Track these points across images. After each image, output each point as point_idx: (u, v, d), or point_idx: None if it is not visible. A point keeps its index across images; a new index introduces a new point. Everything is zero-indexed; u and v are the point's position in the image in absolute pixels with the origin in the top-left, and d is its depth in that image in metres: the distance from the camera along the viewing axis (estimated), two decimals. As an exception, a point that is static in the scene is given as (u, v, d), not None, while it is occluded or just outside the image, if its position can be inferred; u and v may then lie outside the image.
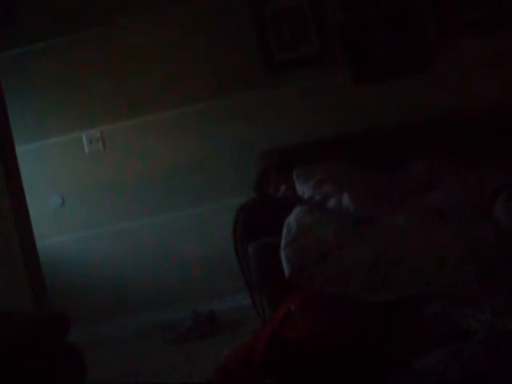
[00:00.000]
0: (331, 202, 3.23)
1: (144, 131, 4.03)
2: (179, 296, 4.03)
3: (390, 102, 3.77)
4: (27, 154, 3.90)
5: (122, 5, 3.95)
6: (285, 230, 2.99)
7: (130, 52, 3.98)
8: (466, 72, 3.72)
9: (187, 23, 3.94)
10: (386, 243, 2.78)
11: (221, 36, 3.92)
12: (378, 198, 3.20)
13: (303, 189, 3.40)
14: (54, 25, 3.95)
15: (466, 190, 3.04)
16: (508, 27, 3.64)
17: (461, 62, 3.73)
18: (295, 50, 3.89)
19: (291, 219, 3.06)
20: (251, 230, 3.21)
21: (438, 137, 3.51)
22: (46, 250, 3.74)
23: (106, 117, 4.03)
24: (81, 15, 3.95)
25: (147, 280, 4.07)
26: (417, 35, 3.79)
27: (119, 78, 3.99)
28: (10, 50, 3.96)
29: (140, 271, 4.08)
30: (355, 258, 2.77)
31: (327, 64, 3.86)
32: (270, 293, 2.96)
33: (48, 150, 4.05)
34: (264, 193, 3.58)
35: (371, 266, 2.72)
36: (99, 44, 3.99)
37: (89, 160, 4.07)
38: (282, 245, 2.93)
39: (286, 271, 2.83)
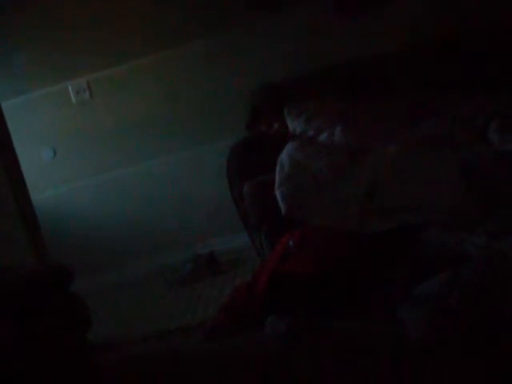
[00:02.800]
0: (323, 136, 3.22)
1: (129, 78, 3.97)
2: (178, 239, 4.05)
3: (375, 31, 3.69)
4: (13, 108, 3.83)
5: None
6: (278, 168, 2.99)
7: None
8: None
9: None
10: (380, 172, 2.79)
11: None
12: (370, 128, 3.19)
13: (295, 124, 3.39)
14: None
15: (459, 118, 3.03)
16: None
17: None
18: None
19: (284, 156, 3.06)
20: (245, 169, 3.22)
21: (427, 65, 3.47)
22: (41, 204, 3.73)
23: (91, 66, 3.95)
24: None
25: (145, 226, 4.09)
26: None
27: (101, 26, 3.90)
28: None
29: (137, 217, 4.09)
30: (350, 190, 2.78)
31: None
32: (268, 231, 2.98)
33: (34, 103, 3.99)
34: (256, 131, 3.57)
35: (366, 196, 2.73)
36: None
37: (77, 110, 4.01)
38: (277, 183, 2.93)
39: (283, 208, 2.84)
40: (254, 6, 3.77)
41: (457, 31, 3.50)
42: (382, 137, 3.09)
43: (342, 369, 1.94)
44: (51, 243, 3.28)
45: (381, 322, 2.18)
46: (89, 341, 2.11)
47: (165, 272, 3.75)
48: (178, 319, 2.89)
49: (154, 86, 3.98)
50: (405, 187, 2.71)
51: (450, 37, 3.49)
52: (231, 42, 3.86)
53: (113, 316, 3.14)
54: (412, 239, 2.50)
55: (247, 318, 2.46)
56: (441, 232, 2.49)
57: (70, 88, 3.98)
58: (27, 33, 3.92)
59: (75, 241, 4.01)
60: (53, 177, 4.10)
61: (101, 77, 3.98)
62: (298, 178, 2.91)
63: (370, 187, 2.77)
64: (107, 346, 2.59)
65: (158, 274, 3.79)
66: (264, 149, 3.30)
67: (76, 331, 2.02)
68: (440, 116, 3.12)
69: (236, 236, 3.77)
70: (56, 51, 3.92)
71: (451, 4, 3.59)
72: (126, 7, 3.87)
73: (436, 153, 2.81)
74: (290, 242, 2.60)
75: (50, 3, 3.88)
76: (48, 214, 3.84)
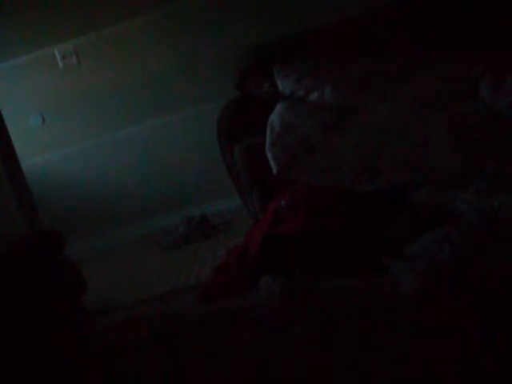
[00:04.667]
0: (313, 96, 3.20)
1: (115, 41, 3.92)
2: (170, 203, 4.05)
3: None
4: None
5: None
6: (269, 129, 2.98)
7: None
8: None
9: None
10: (371, 132, 2.78)
11: None
12: (361, 88, 3.17)
13: (285, 84, 3.36)
14: None
15: (449, 76, 3.01)
16: None
17: None
18: None
19: (274, 117, 3.05)
20: (235, 130, 3.20)
21: (417, 22, 3.43)
22: (31, 170, 3.71)
23: (77, 30, 3.90)
24: None
25: (137, 190, 4.08)
26: None
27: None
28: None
29: (128, 182, 4.08)
30: (341, 149, 2.78)
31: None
32: (260, 192, 2.98)
33: (21, 68, 3.93)
34: (246, 92, 3.54)
35: (357, 156, 2.73)
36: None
37: (64, 75, 3.97)
38: (268, 144, 2.92)
39: (274, 169, 2.84)
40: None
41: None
42: (372, 96, 3.08)
43: (336, 327, 1.96)
44: (42, 209, 3.28)
45: (374, 280, 2.19)
46: (83, 305, 2.13)
47: (157, 235, 3.75)
48: (171, 282, 2.89)
49: (141, 49, 3.93)
50: (395, 147, 2.71)
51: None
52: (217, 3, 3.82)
53: (107, 280, 3.15)
54: (404, 198, 2.51)
55: (241, 280, 2.47)
56: (432, 190, 2.50)
57: (56, 53, 3.93)
58: (14, 4, 3.85)
59: (67, 206, 4.01)
60: (42, 143, 4.07)
61: (88, 41, 3.93)
62: (289, 138, 2.90)
63: (360, 147, 2.76)
64: (102, 311, 2.60)
65: (150, 237, 3.80)
66: (254, 110, 3.28)
67: (70, 296, 2.04)
68: (431, 75, 3.10)
69: (228, 198, 3.77)
70: (41, 16, 3.86)
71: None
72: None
73: (426, 112, 2.80)
74: (282, 203, 2.60)
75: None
76: (38, 180, 3.83)
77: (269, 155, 2.87)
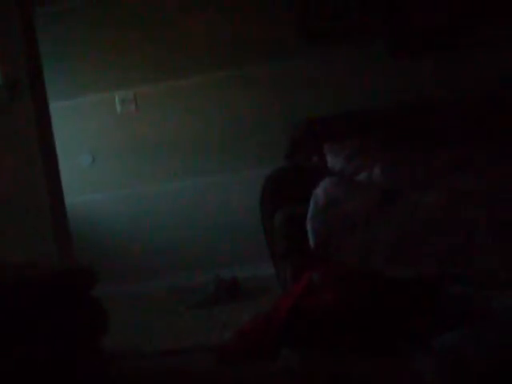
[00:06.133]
0: (362, 176, 3.21)
1: (176, 95, 4.03)
2: (203, 261, 4.05)
3: (426, 77, 3.71)
4: (59, 110, 3.90)
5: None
6: (312, 201, 2.98)
7: (166, 16, 3.97)
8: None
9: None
10: (413, 220, 2.76)
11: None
12: (408, 175, 3.17)
13: (335, 161, 3.38)
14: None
15: (498, 175, 2.99)
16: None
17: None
18: (333, 20, 3.82)
19: (319, 191, 3.05)
20: (279, 198, 3.21)
21: (472, 119, 3.45)
22: (75, 208, 3.77)
23: (139, 79, 4.03)
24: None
25: (172, 244, 4.09)
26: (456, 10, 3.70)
27: (154, 42, 3.98)
28: (48, 6, 3.97)
29: (165, 235, 4.11)
30: (381, 233, 2.75)
31: (364, 36, 3.79)
32: (294, 262, 2.95)
33: (80, 108, 4.07)
34: (294, 162, 3.57)
35: (396, 242, 2.70)
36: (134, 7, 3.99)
37: (120, 120, 4.08)
38: (309, 215, 2.92)
39: (311, 242, 2.82)
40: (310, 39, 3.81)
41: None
42: (418, 184, 3.06)
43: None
44: (80, 247, 3.30)
45: (396, 370, 2.14)
46: (102, 347, 2.11)
47: (186, 292, 3.73)
48: (192, 339, 2.86)
49: (195, 108, 4.02)
50: (436, 239, 2.67)
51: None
52: (276, 72, 3.92)
53: (128, 329, 3.13)
54: (438, 289, 2.47)
55: (262, 348, 2.43)
56: (469, 287, 2.45)
57: (116, 98, 4.04)
58: (81, 40, 4.02)
59: (103, 248, 4.04)
60: (89, 183, 4.14)
61: (148, 91, 4.04)
62: (331, 215, 2.88)
63: (401, 233, 2.74)
64: (120, 355, 2.58)
65: (178, 292, 3.78)
66: (300, 180, 3.30)
67: (91, 335, 2.03)
68: (479, 171, 3.08)
69: (261, 265, 3.75)
70: (107, 62, 4.01)
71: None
72: (179, 28, 3.97)
73: (470, 208, 2.77)
74: (315, 275, 2.58)
75: (104, 15, 3.98)
76: (80, 219, 3.88)
77: (308, 227, 2.86)
